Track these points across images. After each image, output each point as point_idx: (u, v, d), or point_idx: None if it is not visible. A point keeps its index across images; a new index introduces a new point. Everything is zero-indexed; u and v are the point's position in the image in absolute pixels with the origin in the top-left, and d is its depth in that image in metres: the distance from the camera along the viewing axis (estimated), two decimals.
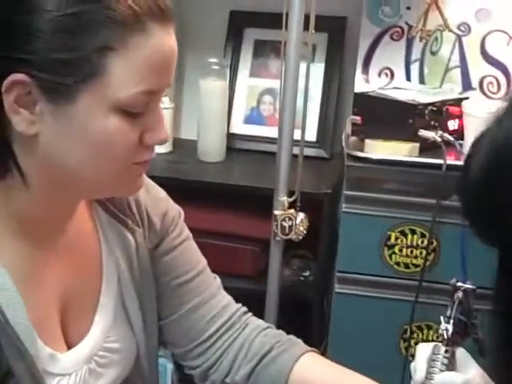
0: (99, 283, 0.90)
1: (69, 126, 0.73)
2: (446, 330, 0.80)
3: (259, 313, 1.59)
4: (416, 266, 1.48)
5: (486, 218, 0.61)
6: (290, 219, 1.44)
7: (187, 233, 1.02)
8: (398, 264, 1.49)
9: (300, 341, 1.01)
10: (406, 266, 1.49)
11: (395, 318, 1.51)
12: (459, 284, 0.80)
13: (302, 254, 1.80)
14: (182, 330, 0.99)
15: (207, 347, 0.99)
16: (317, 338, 1.67)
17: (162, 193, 1.00)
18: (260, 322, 1.03)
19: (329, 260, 1.67)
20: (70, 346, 0.86)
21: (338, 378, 0.93)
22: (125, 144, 0.75)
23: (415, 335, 1.53)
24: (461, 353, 0.81)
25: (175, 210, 1.01)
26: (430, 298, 1.49)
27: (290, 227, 1.44)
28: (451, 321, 0.80)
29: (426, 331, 1.52)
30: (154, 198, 0.97)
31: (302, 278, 1.76)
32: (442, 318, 0.81)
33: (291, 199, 1.45)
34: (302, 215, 1.46)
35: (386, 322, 1.52)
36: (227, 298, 1.03)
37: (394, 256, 1.48)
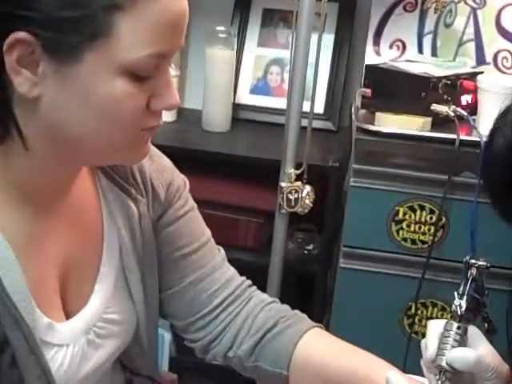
0: (100, 252, 0.88)
1: (73, 89, 0.70)
2: (460, 306, 0.77)
3: (262, 286, 1.56)
4: (423, 242, 1.45)
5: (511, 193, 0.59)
6: (297, 192, 1.41)
7: (192, 203, 1.00)
8: (405, 240, 1.46)
9: (305, 316, 0.98)
10: (414, 242, 1.46)
11: (400, 295, 1.49)
12: (473, 261, 0.78)
13: (307, 227, 1.77)
14: (183, 303, 0.97)
15: (209, 321, 0.97)
16: (319, 313, 1.66)
17: (167, 162, 0.97)
18: (264, 296, 1.01)
19: (334, 234, 1.64)
20: (68, 316, 0.83)
21: (343, 354, 0.91)
22: (132, 109, 0.72)
23: (419, 312, 1.50)
24: (473, 330, 0.79)
25: (180, 179, 0.98)
26: (437, 276, 1.46)
27: (296, 200, 1.41)
28: (464, 297, 0.78)
29: (430, 308, 1.50)
30: (159, 168, 0.94)
31: (305, 252, 1.74)
32: (455, 293, 0.78)
33: (298, 171, 1.42)
34: (308, 188, 1.44)
35: (390, 298, 1.50)
36: (231, 271, 1.01)
37: (401, 232, 1.45)
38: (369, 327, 1.52)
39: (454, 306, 0.78)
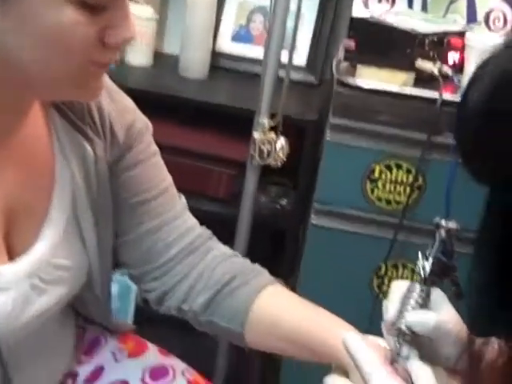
0: (50, 196, 0.83)
1: (18, 17, 0.65)
2: (424, 267, 0.73)
3: (231, 239, 1.54)
4: (398, 203, 1.41)
5: (484, 151, 0.54)
6: (270, 143, 1.36)
7: (154, 148, 0.94)
8: (379, 199, 1.42)
9: (265, 271, 0.94)
10: (388, 202, 1.42)
11: (371, 255, 1.45)
12: (443, 222, 0.73)
13: (281, 181, 1.73)
14: (139, 252, 0.93)
15: (165, 271, 0.93)
16: (288, 270, 1.62)
17: (129, 102, 0.91)
18: (225, 249, 0.97)
19: (308, 190, 1.60)
20: (12, 260, 0.79)
21: (301, 312, 0.87)
22: (80, 39, 0.67)
23: (390, 273, 1.47)
24: (437, 293, 0.75)
25: (142, 122, 0.92)
26: (409, 238, 1.43)
27: (269, 152, 1.36)
28: (430, 259, 0.73)
29: (401, 270, 1.47)
30: (120, 108, 0.88)
31: (278, 207, 1.70)
32: (420, 254, 0.74)
33: (273, 122, 1.36)
34: (282, 140, 1.38)
35: (361, 258, 1.46)
36: (191, 221, 0.96)
37: (376, 191, 1.41)
38: (337, 286, 1.49)
39: (417, 268, 0.74)
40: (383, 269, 1.46)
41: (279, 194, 1.72)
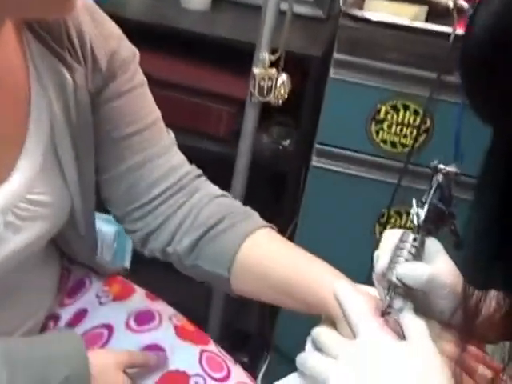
0: (26, 124, 0.77)
1: None
2: (417, 214, 0.67)
3: (228, 179, 1.48)
4: (404, 146, 1.34)
5: (489, 83, 0.48)
6: (271, 80, 1.28)
7: (141, 79, 0.88)
8: (384, 142, 1.35)
9: (256, 214, 0.89)
10: (393, 144, 1.35)
11: (374, 201, 1.39)
12: (441, 166, 0.67)
13: (285, 121, 1.65)
14: (121, 190, 0.88)
15: (148, 211, 0.88)
16: (289, 213, 1.57)
17: (114, 28, 0.84)
18: (214, 188, 0.91)
19: (311, 131, 1.53)
20: None
21: (292, 259, 0.82)
22: None
23: (393, 220, 1.42)
24: (432, 242, 0.70)
25: (129, 50, 0.85)
26: (414, 183, 1.36)
27: (270, 89, 1.29)
28: (426, 206, 0.67)
29: (405, 217, 1.41)
30: (103, 33, 0.81)
31: (280, 148, 1.63)
32: (414, 201, 0.68)
33: (274, 57, 1.28)
34: (284, 77, 1.30)
35: (363, 203, 1.40)
36: (179, 158, 0.91)
37: (381, 133, 1.34)
38: (337, 232, 1.44)
39: (411, 215, 0.68)
40: (386, 215, 1.40)
41: (282, 135, 1.65)
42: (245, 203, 1.47)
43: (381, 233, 1.42)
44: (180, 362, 0.97)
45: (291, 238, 1.50)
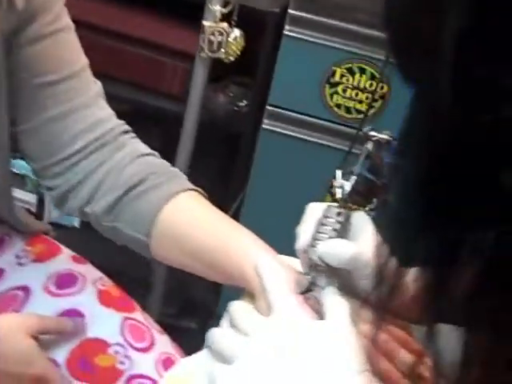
0: None
1: None
2: (342, 187, 0.62)
3: (176, 139, 1.42)
4: (359, 112, 1.28)
5: (413, 40, 0.42)
6: (221, 34, 1.21)
7: (67, 22, 0.81)
8: (338, 106, 1.28)
9: (183, 176, 0.83)
10: (348, 110, 1.28)
11: (326, 168, 1.33)
12: (372, 133, 0.61)
13: (242, 81, 1.58)
14: (42, 141, 0.82)
15: (68, 167, 0.82)
16: (242, 177, 1.51)
17: None
18: (141, 146, 0.85)
19: (267, 92, 1.46)
20: None
21: (215, 227, 0.75)
22: None
23: None
24: (359, 217, 0.64)
25: None
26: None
27: (220, 43, 1.21)
28: (353, 177, 0.62)
29: None
30: None
31: (236, 108, 1.56)
32: (337, 172, 0.63)
33: (225, 10, 1.21)
34: (237, 32, 1.23)
35: (315, 169, 1.34)
36: (105, 112, 0.84)
37: (335, 96, 1.27)
38: (287, 198, 1.38)
39: (333, 188, 0.62)
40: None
41: (239, 96, 1.58)
42: (193, 164, 1.41)
43: (332, 202, 1.37)
44: (100, 329, 0.92)
45: (242, 202, 1.44)
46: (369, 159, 0.62)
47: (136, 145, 0.84)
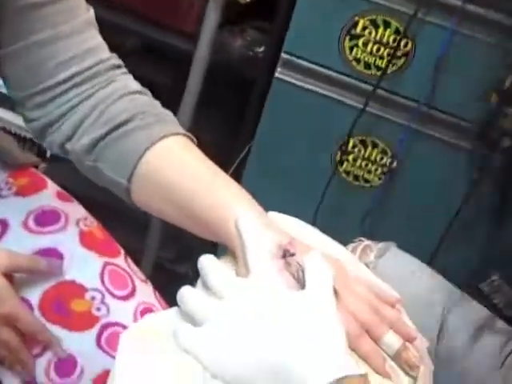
0: None
1: None
2: None
3: (185, 80, 1.35)
4: (379, 68, 1.20)
5: None
6: None
7: None
8: (357, 61, 1.20)
9: (174, 119, 0.76)
10: (367, 65, 1.20)
11: (337, 124, 1.27)
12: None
13: (261, 26, 1.51)
14: (25, 67, 0.76)
15: (50, 98, 0.76)
16: (249, 126, 1.44)
17: None
18: (132, 83, 0.78)
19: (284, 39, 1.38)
20: None
21: (201, 175, 0.69)
22: None
23: (356, 150, 1.29)
24: None
25: None
26: (383, 111, 1.24)
27: None
28: None
29: (370, 149, 1.28)
30: None
31: (251, 53, 1.49)
32: None
33: None
34: None
35: (326, 125, 1.28)
36: (96, 41, 0.78)
37: (355, 50, 1.19)
38: (295, 152, 1.32)
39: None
40: (351, 143, 1.28)
41: (256, 41, 1.50)
42: (201, 107, 1.35)
43: (340, 161, 1.30)
44: (78, 272, 0.87)
45: (249, 153, 1.38)
46: None
47: (127, 81, 0.78)
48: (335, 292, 0.58)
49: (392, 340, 0.58)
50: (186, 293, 0.59)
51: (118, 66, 0.79)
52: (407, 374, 0.58)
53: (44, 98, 0.76)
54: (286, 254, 0.59)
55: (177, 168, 0.70)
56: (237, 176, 1.37)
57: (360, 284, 0.62)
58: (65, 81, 0.75)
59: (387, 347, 0.58)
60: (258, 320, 0.54)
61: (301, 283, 0.58)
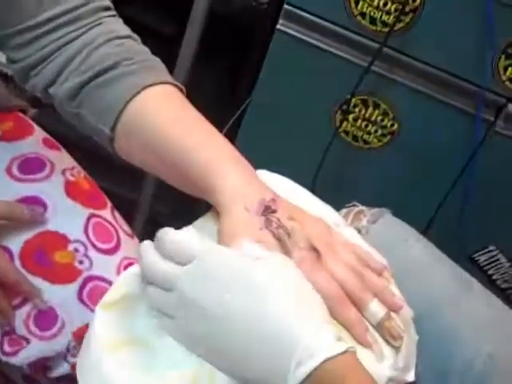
0: None
1: None
2: None
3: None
4: (385, 24, 1.15)
5: None
6: None
7: None
8: (362, 15, 1.15)
9: (163, 67, 0.73)
10: (373, 21, 1.15)
11: (339, 82, 1.22)
12: None
13: None
14: (5, 3, 0.71)
15: (33, 38, 0.72)
16: (248, 80, 1.40)
17: None
18: (121, 27, 0.75)
19: None
20: None
21: (188, 125, 0.66)
22: None
23: (357, 110, 1.25)
24: None
25: None
26: (387, 71, 1.19)
27: None
28: None
29: (371, 109, 1.25)
30: None
31: (254, 3, 1.44)
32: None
33: None
34: None
35: (326, 83, 1.24)
36: None
37: (361, 3, 1.14)
38: (294, 110, 1.28)
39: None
40: (352, 103, 1.24)
41: None
42: (200, 57, 1.30)
43: (340, 121, 1.27)
44: (62, 223, 0.85)
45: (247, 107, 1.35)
46: None
47: (115, 25, 0.74)
48: (318, 255, 0.55)
49: (376, 309, 0.56)
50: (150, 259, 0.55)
51: (107, 8, 0.75)
52: (389, 344, 0.56)
53: (24, 38, 0.72)
54: (267, 211, 0.56)
55: (162, 118, 0.66)
56: (233, 133, 1.34)
57: (346, 249, 0.59)
58: (49, 20, 0.71)
59: (370, 316, 0.56)
60: (229, 287, 0.51)
61: (281, 244, 0.55)
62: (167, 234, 0.55)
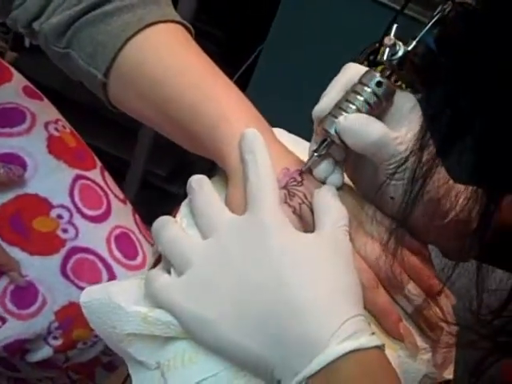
0: None
1: None
2: (395, 46, 0.47)
3: None
4: None
5: None
6: None
7: None
8: None
9: (167, 2, 0.66)
10: None
11: (367, 24, 1.15)
12: None
13: None
14: None
15: None
16: (261, 25, 1.34)
17: None
18: None
19: None
20: None
21: (191, 70, 0.58)
22: None
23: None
24: (405, 98, 0.50)
25: None
26: (421, 14, 1.13)
27: None
28: (413, 42, 0.47)
29: None
30: None
31: None
32: (394, 27, 0.48)
33: None
34: None
35: (352, 27, 1.17)
36: None
37: None
38: (310, 59, 1.22)
39: (383, 48, 0.48)
40: (378, 50, 1.17)
41: None
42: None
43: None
44: (43, 185, 0.79)
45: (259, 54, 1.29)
46: (439, 26, 0.46)
47: None
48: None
49: (412, 294, 0.51)
50: (162, 231, 0.51)
51: None
52: (425, 335, 0.52)
53: None
54: (289, 183, 0.51)
55: (163, 62, 0.59)
56: (243, 82, 1.29)
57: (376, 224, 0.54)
58: None
59: (405, 302, 0.51)
60: (254, 268, 0.46)
61: (303, 223, 0.50)
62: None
